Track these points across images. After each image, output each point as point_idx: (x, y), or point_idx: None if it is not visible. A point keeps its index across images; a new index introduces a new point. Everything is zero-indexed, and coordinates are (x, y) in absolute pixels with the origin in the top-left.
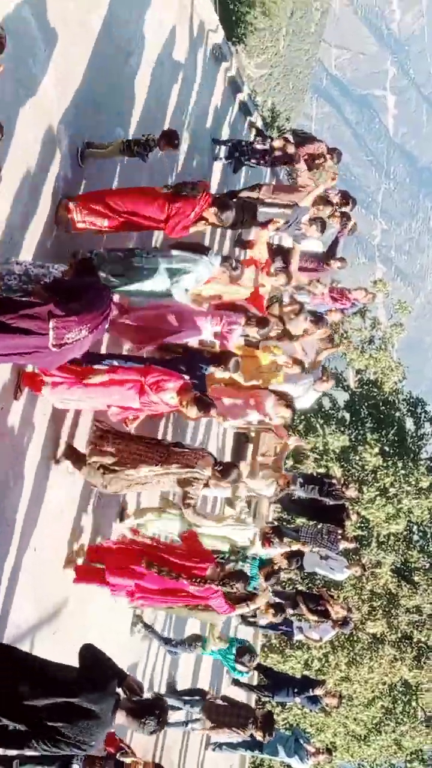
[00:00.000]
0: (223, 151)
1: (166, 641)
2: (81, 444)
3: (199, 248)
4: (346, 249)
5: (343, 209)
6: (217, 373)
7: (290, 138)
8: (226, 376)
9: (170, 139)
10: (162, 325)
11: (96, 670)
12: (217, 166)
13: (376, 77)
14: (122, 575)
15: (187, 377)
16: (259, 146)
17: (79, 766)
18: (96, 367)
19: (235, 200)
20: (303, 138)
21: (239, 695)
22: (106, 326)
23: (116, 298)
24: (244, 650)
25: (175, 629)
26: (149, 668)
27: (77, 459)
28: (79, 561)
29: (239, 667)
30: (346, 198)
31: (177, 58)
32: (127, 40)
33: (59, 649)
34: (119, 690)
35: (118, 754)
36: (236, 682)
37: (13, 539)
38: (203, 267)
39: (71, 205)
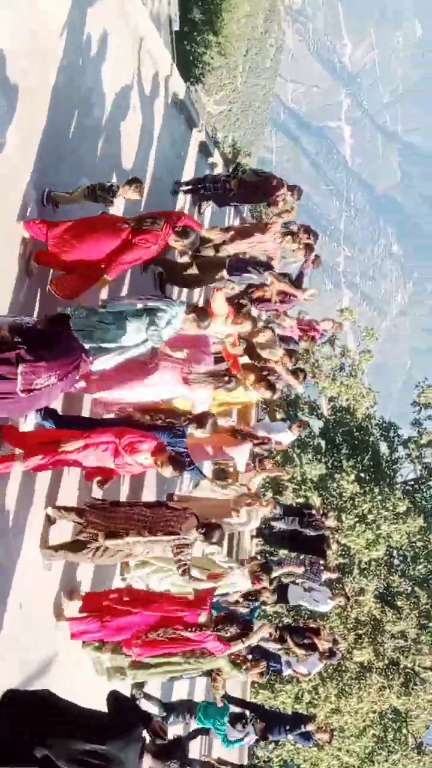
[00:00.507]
0: (183, 191)
1: (167, 709)
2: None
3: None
4: (313, 276)
5: (306, 242)
6: (197, 433)
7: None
8: (205, 435)
9: (134, 186)
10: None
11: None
12: (180, 204)
13: (330, 109)
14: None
15: (163, 438)
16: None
17: None
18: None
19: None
20: (263, 177)
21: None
22: (77, 378)
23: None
24: (236, 717)
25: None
26: None
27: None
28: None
29: (231, 735)
30: (308, 232)
31: (137, 105)
32: (88, 90)
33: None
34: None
35: None
36: (228, 698)
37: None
38: (177, 309)
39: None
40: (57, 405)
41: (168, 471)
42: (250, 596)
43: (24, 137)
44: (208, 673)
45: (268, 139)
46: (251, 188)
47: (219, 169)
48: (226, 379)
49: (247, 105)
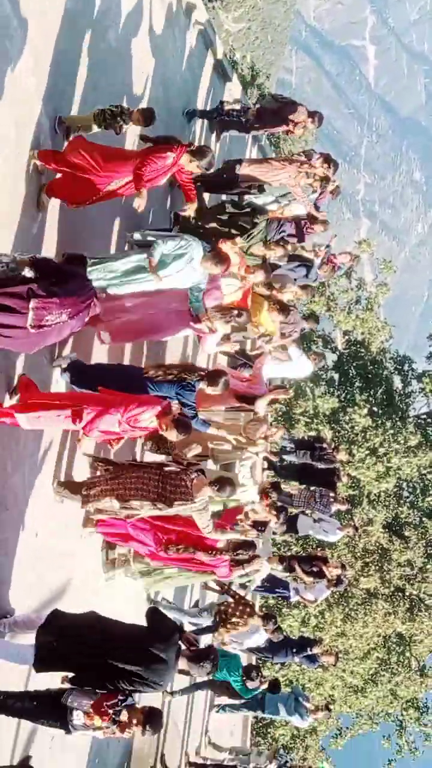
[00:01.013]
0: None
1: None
2: None
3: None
4: (331, 205)
5: (324, 172)
6: (207, 389)
7: (264, 104)
8: (216, 392)
9: (146, 117)
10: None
11: (161, 626)
12: (198, 131)
13: (355, 27)
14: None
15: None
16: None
17: (80, 724)
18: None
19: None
20: (282, 103)
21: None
22: (86, 319)
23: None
24: (249, 668)
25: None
26: None
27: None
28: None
29: (250, 684)
30: (328, 161)
31: (152, 25)
32: (103, 13)
33: None
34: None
35: (113, 722)
36: None
37: (18, 524)
38: (193, 242)
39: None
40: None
41: (173, 434)
42: (259, 527)
43: (36, 60)
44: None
45: (288, 59)
46: (270, 114)
47: (236, 95)
48: (236, 312)
49: (267, 22)
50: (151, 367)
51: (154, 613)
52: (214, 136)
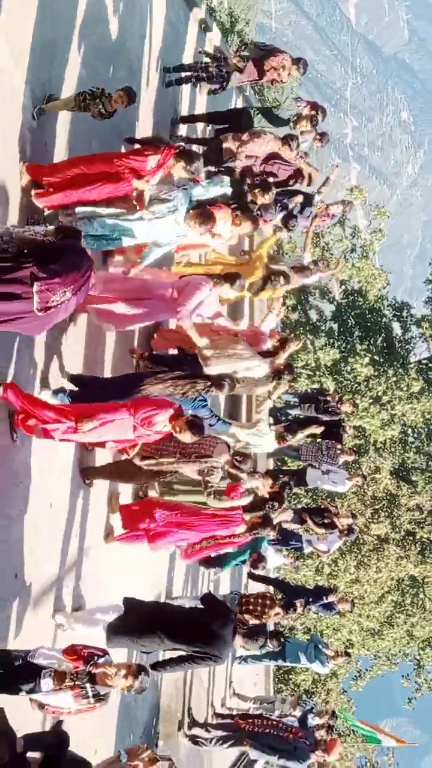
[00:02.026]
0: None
1: None
2: None
3: None
4: (320, 151)
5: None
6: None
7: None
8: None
9: (129, 96)
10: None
11: (218, 607)
12: (186, 94)
13: None
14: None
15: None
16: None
17: (50, 683)
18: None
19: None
20: (266, 51)
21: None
22: (87, 291)
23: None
24: (253, 633)
25: None
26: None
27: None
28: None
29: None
30: (316, 108)
31: None
32: None
33: (86, 593)
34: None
35: (87, 666)
36: (252, 576)
37: (28, 497)
38: (182, 199)
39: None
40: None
41: (187, 436)
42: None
43: (11, 37)
44: None
45: (266, 2)
46: (254, 64)
47: (216, 44)
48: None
49: None
50: (154, 380)
51: (209, 598)
52: (197, 90)
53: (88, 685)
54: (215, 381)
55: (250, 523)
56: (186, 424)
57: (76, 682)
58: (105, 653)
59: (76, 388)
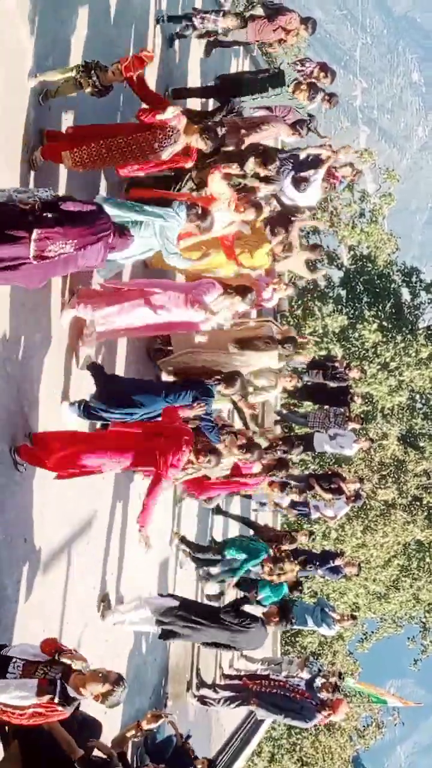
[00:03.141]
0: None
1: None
2: None
3: (161, 201)
4: (328, 113)
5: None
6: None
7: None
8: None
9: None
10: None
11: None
12: (196, 51)
13: None
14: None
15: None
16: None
17: (16, 672)
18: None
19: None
20: (274, 10)
21: None
22: (101, 254)
23: None
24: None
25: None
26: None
27: None
28: None
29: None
30: (325, 70)
31: None
32: None
33: (95, 556)
34: None
35: (56, 655)
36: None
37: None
38: (172, 221)
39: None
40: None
41: (212, 464)
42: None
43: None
44: None
45: None
46: (262, 23)
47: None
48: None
49: None
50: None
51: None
52: (203, 50)
53: (58, 680)
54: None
55: (266, 465)
56: (208, 451)
57: (48, 674)
58: (85, 660)
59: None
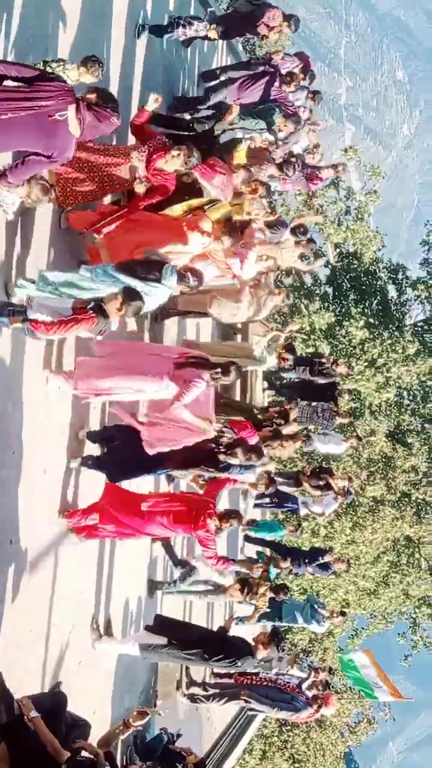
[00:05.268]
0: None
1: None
2: None
3: (153, 265)
4: (313, 112)
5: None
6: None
7: (237, 7)
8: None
9: (89, 66)
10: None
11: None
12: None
13: None
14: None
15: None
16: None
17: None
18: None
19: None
20: (257, 6)
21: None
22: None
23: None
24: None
25: None
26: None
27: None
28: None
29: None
30: (304, 72)
31: None
32: None
33: (81, 558)
34: None
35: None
36: (248, 538)
37: (21, 464)
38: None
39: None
40: None
41: (228, 524)
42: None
43: None
44: None
45: None
46: (243, 19)
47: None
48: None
49: None
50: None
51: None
52: (181, 46)
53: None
54: (224, 368)
55: (261, 437)
56: (227, 518)
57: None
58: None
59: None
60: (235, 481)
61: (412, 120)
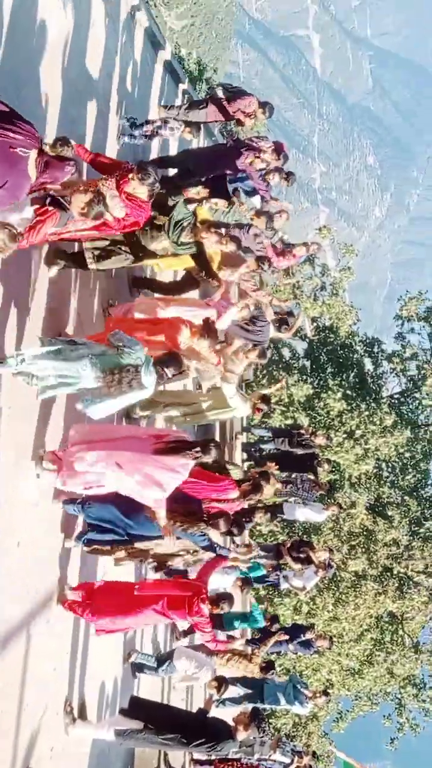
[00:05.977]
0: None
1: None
2: None
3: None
4: (288, 194)
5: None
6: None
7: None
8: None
9: (60, 146)
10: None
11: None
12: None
13: (297, 17)
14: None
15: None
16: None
17: None
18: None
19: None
20: (233, 93)
21: None
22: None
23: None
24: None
25: None
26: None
27: None
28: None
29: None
30: (277, 152)
31: (94, 23)
32: (39, 18)
33: (56, 637)
34: None
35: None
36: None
37: None
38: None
39: None
40: None
41: (227, 609)
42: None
43: None
44: None
45: (234, 52)
46: (221, 106)
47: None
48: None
49: (210, 18)
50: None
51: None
52: (167, 131)
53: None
54: (203, 446)
55: (242, 491)
56: (223, 602)
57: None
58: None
59: None
60: (226, 559)
61: (383, 203)
